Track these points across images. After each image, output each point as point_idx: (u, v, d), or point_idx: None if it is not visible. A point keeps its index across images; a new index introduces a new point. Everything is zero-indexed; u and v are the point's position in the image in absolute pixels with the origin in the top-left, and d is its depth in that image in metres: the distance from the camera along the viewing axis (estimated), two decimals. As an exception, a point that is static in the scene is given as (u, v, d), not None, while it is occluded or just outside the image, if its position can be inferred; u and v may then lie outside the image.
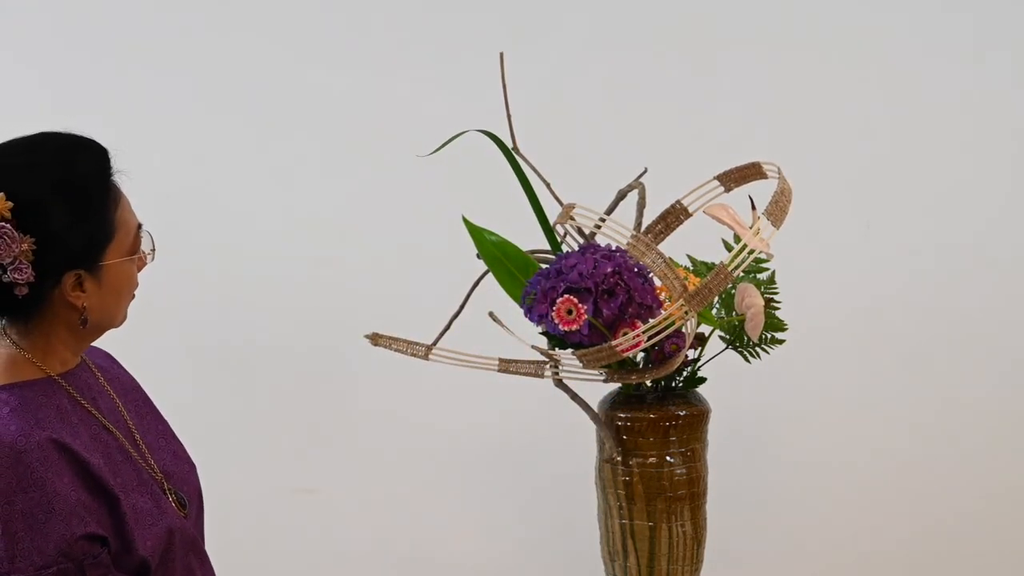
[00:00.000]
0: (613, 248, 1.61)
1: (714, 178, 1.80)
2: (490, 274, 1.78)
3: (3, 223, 1.33)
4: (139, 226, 1.49)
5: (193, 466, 1.62)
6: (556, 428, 2.41)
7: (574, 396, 1.70)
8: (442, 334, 1.79)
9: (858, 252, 2.77)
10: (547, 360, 1.67)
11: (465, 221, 1.71)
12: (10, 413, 1.36)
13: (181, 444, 1.63)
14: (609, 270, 1.54)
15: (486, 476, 2.73)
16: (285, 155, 2.61)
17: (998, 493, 2.76)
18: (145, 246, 1.49)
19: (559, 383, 1.70)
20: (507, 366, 1.67)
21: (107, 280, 1.43)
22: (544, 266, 1.74)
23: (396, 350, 1.68)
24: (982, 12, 2.74)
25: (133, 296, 1.50)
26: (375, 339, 1.68)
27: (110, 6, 2.72)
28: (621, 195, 1.97)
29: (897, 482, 2.76)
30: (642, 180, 1.92)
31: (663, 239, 1.85)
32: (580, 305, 1.50)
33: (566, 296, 1.51)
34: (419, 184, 2.53)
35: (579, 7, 2.78)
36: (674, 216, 1.74)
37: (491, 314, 1.74)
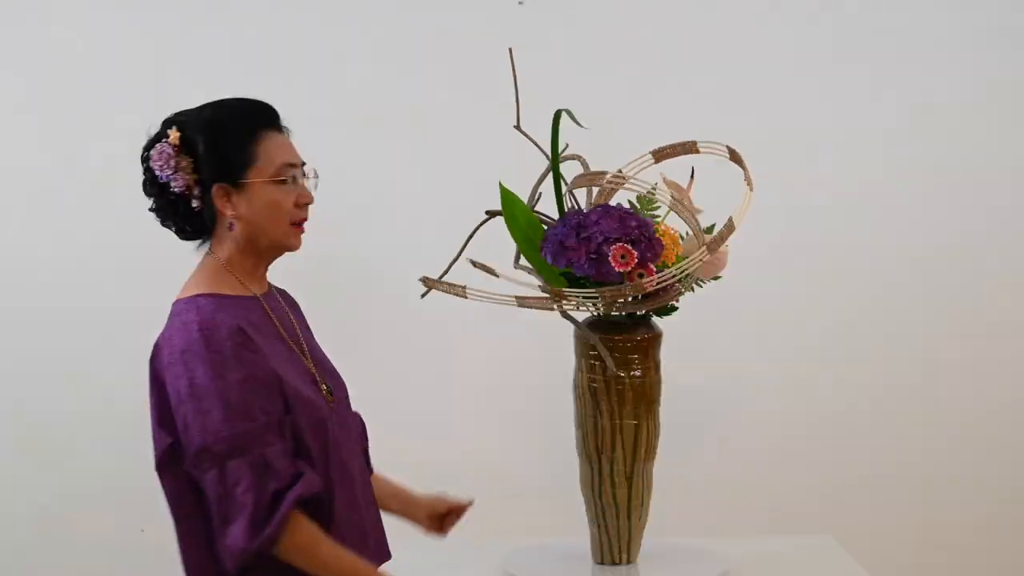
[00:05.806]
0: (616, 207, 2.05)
1: (649, 152, 2.28)
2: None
3: (170, 145, 1.80)
4: (289, 164, 1.84)
5: (339, 375, 1.98)
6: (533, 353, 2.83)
7: (578, 324, 2.13)
8: (447, 270, 2.15)
9: (858, 252, 3.00)
10: (554, 296, 2.08)
11: (501, 187, 2.06)
12: (212, 310, 1.76)
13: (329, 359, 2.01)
14: (634, 224, 1.98)
15: (478, 393, 3.10)
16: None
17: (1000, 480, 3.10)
18: (309, 185, 1.88)
19: (564, 314, 2.12)
20: (523, 301, 2.06)
21: (253, 199, 1.81)
22: (545, 227, 2.14)
23: (442, 291, 2.03)
24: (980, 13, 3.01)
25: (294, 225, 1.85)
26: (427, 282, 2.02)
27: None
28: (550, 169, 2.39)
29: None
30: (579, 153, 2.36)
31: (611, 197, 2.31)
32: (633, 251, 1.93)
33: (620, 244, 1.93)
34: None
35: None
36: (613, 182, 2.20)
37: (472, 260, 2.13)
